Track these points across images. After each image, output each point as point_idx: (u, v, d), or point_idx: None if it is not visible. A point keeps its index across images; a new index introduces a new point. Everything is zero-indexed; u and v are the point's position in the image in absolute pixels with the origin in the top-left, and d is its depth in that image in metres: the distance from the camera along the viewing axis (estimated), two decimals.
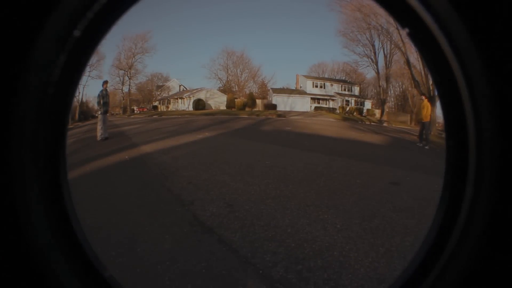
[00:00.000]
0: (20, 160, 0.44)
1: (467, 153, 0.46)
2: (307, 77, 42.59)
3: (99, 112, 10.68)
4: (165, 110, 43.64)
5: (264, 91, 45.40)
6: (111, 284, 0.51)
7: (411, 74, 22.47)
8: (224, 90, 44.56)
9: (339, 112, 34.94)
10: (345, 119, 25.54)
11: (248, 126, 15.58)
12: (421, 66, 21.12)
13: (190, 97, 40.60)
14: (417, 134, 15.84)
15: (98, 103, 10.70)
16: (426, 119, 11.76)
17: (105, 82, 11.40)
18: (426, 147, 10.84)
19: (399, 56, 28.54)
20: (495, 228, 0.46)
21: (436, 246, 0.49)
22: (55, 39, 0.44)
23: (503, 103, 0.45)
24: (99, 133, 10.35)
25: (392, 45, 29.54)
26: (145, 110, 46.50)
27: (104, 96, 10.54)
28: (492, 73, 0.45)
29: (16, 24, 0.43)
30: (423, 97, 13.18)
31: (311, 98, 39.98)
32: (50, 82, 0.44)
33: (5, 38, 0.43)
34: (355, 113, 33.49)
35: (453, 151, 0.48)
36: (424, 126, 11.83)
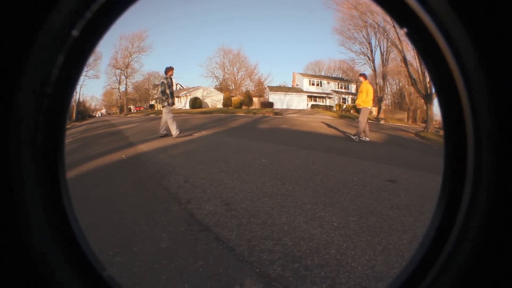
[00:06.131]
0: (19, 160, 0.44)
1: (466, 150, 0.46)
2: (304, 75, 42.78)
3: (165, 104, 8.90)
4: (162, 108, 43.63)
5: (260, 89, 45.53)
6: (109, 283, 0.51)
7: (408, 71, 22.52)
8: (220, 88, 44.64)
9: (336, 110, 35.09)
10: (342, 116, 25.58)
11: (245, 125, 15.55)
12: (418, 63, 21.22)
13: (186, 96, 40.62)
14: (414, 131, 15.58)
15: (163, 92, 8.77)
16: (365, 104, 9.35)
17: (170, 69, 9.04)
18: (356, 139, 9.60)
19: (395, 54, 28.77)
20: (494, 226, 0.46)
21: (435, 245, 0.49)
22: (53, 39, 0.44)
23: (502, 100, 0.45)
24: (172, 129, 8.97)
25: (389, 43, 29.72)
26: (142, 109, 46.46)
27: (170, 85, 8.81)
28: (490, 71, 0.45)
29: (14, 24, 0.43)
30: (362, 78, 9.82)
31: (308, 96, 40.18)
32: (49, 82, 0.44)
33: (3, 38, 0.43)
34: (352, 110, 33.61)
35: (451, 149, 0.48)
36: (360, 113, 9.49)
